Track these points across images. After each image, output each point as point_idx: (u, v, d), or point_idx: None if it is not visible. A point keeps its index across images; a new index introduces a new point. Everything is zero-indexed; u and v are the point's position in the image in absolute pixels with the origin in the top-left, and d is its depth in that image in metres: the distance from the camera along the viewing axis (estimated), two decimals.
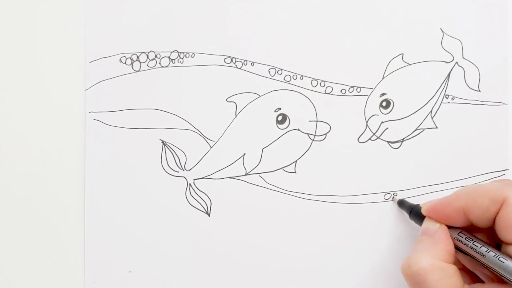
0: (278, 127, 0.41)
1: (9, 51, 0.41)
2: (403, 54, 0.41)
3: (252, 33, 0.41)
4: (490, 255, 0.33)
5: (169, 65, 0.41)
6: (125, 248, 0.40)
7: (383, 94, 0.41)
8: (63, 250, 0.40)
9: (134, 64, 0.41)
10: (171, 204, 0.41)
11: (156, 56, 0.41)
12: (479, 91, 0.42)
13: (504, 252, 0.33)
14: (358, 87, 0.41)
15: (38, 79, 0.41)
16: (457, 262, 0.35)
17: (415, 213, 0.38)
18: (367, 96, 0.41)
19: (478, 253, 0.34)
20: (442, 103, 0.42)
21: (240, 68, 0.41)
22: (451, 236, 0.35)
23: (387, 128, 0.41)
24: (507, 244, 0.33)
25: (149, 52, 0.41)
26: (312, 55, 0.41)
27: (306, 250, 0.41)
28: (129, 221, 0.40)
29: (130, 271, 0.40)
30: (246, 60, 0.41)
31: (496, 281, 0.34)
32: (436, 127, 0.42)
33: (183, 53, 0.41)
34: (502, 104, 0.42)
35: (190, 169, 0.41)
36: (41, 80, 0.41)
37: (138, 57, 0.41)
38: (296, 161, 0.41)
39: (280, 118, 0.41)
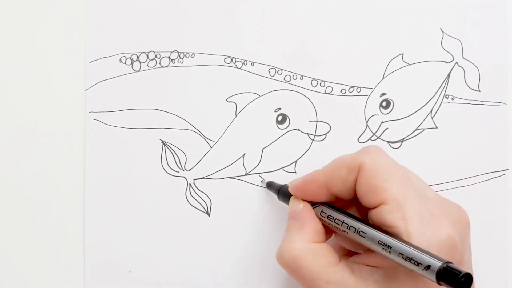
0: (278, 127, 0.41)
1: (9, 51, 0.41)
2: (403, 54, 0.41)
3: (252, 33, 0.41)
4: (351, 231, 0.33)
5: (169, 65, 0.41)
6: (125, 248, 0.40)
7: (383, 94, 0.41)
8: (63, 250, 0.40)
9: (134, 64, 0.41)
10: (171, 204, 0.41)
11: (156, 56, 0.41)
12: (479, 91, 0.42)
13: (371, 219, 0.33)
14: (358, 87, 0.41)
15: (38, 79, 0.41)
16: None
17: (283, 193, 0.38)
18: (367, 96, 0.41)
19: (341, 230, 0.33)
20: (442, 103, 0.42)
21: (240, 68, 0.41)
22: (316, 214, 0.35)
23: (387, 128, 0.41)
24: (370, 209, 0.33)
25: (149, 52, 0.41)
26: (312, 55, 0.41)
27: None
28: (129, 221, 0.40)
29: (130, 271, 0.40)
30: (246, 60, 0.41)
31: (369, 251, 0.33)
32: (436, 127, 0.42)
33: (183, 53, 0.41)
34: (502, 104, 0.42)
35: (190, 169, 0.41)
36: (41, 80, 0.41)
37: (138, 57, 0.41)
38: (296, 161, 0.41)
39: (280, 118, 0.41)
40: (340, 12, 0.41)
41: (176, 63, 0.41)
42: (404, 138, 0.42)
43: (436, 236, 0.30)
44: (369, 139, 0.41)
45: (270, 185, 0.40)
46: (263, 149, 0.41)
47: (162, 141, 0.41)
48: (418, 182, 0.34)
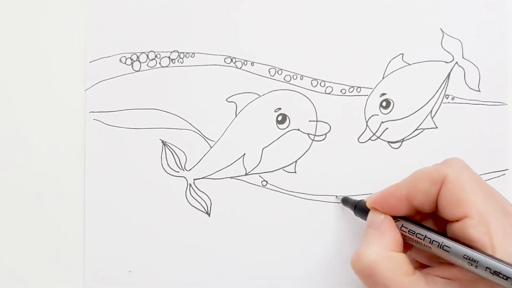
0: (278, 127, 0.41)
1: (10, 51, 0.41)
2: (403, 54, 0.41)
3: (252, 33, 0.41)
4: (434, 245, 0.33)
5: (169, 65, 0.41)
6: (125, 248, 0.40)
7: (383, 94, 0.41)
8: (63, 250, 0.40)
9: (134, 64, 0.41)
10: (171, 204, 0.41)
11: (156, 56, 0.41)
12: (479, 91, 0.42)
13: (450, 232, 0.33)
14: (358, 87, 0.41)
15: (38, 79, 0.41)
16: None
17: (360, 209, 0.38)
18: (367, 96, 0.41)
19: (423, 245, 0.33)
20: (442, 103, 0.42)
21: (240, 68, 0.41)
22: (397, 226, 0.35)
23: (387, 128, 0.41)
24: (451, 222, 0.33)
25: (149, 52, 0.41)
26: (312, 55, 0.41)
27: (306, 250, 0.41)
28: (129, 221, 0.40)
29: (130, 271, 0.40)
30: (246, 60, 0.41)
31: (444, 263, 0.34)
32: (436, 127, 0.42)
33: (183, 53, 0.41)
34: (502, 104, 0.42)
35: (190, 169, 0.41)
36: (41, 80, 0.41)
37: (138, 57, 0.41)
38: (296, 161, 0.41)
39: (280, 118, 0.41)
40: (340, 12, 0.41)
41: (176, 63, 0.41)
42: (404, 138, 0.42)
43: None
44: (369, 139, 0.41)
45: (345, 201, 0.40)
46: (263, 149, 0.41)
47: (162, 141, 0.41)
48: (500, 197, 0.34)
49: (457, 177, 0.33)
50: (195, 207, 0.41)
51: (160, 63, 0.41)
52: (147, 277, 0.41)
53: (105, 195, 0.40)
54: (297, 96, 0.41)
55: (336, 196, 0.41)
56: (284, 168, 0.41)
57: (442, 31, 0.42)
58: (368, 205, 0.36)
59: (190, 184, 0.41)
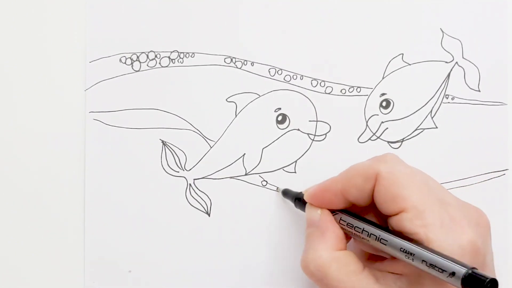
0: (278, 127, 0.41)
1: (10, 51, 0.41)
2: (403, 54, 0.41)
3: (252, 33, 0.41)
4: (372, 238, 0.32)
5: (169, 65, 0.41)
6: (125, 248, 0.40)
7: (383, 94, 0.41)
8: (63, 250, 0.40)
9: (134, 64, 0.41)
10: (171, 204, 0.41)
11: (156, 56, 0.41)
12: (479, 91, 0.42)
13: (390, 226, 0.33)
14: (358, 87, 0.41)
15: (38, 79, 0.41)
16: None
17: (300, 201, 0.38)
18: (367, 96, 0.41)
19: (362, 238, 0.33)
20: (442, 103, 0.42)
21: (240, 68, 0.41)
22: (336, 221, 0.35)
23: (387, 128, 0.41)
24: (389, 216, 0.33)
25: (149, 52, 0.41)
26: (312, 55, 0.41)
27: None
28: (129, 221, 0.40)
29: (130, 271, 0.40)
30: (246, 60, 0.41)
31: (394, 258, 0.33)
32: (436, 127, 0.42)
33: (183, 53, 0.41)
34: (502, 104, 0.42)
35: (190, 169, 0.41)
36: (41, 80, 0.41)
37: (138, 57, 0.41)
38: (296, 161, 0.41)
39: (280, 118, 0.41)
40: (340, 12, 0.41)
41: (176, 63, 0.41)
42: (404, 138, 0.42)
43: (458, 241, 0.30)
44: (369, 139, 0.41)
45: (286, 193, 0.40)
46: (263, 149, 0.41)
47: (162, 141, 0.41)
48: (437, 188, 0.34)
49: (390, 172, 0.33)
50: (195, 207, 0.41)
51: (160, 63, 0.41)
52: (147, 277, 0.41)
53: (105, 195, 0.40)
54: (297, 96, 0.41)
55: (277, 188, 0.40)
56: (284, 168, 0.41)
57: (442, 31, 0.42)
58: (305, 198, 0.36)
59: (190, 184, 0.41)
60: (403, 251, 0.30)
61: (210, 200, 0.41)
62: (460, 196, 0.42)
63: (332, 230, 0.34)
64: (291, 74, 0.41)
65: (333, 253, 0.33)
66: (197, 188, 0.41)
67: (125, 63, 0.41)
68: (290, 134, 0.41)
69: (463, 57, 0.42)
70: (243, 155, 0.41)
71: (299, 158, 0.41)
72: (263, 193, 0.41)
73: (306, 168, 0.41)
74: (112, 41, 0.41)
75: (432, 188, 0.33)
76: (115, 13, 0.41)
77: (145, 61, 0.41)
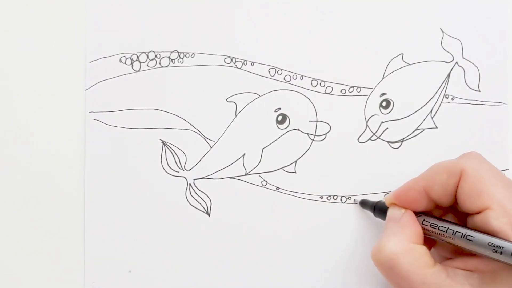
0: (278, 127, 0.41)
1: (10, 51, 0.41)
2: (403, 54, 0.41)
3: (252, 33, 0.41)
4: (458, 236, 0.33)
5: (169, 65, 0.41)
6: (125, 248, 0.40)
7: (383, 94, 0.41)
8: (63, 250, 0.40)
9: (134, 64, 0.41)
10: (171, 204, 0.41)
11: (156, 56, 0.41)
12: (479, 91, 0.42)
13: (472, 225, 0.33)
14: (358, 87, 0.41)
15: (38, 79, 0.41)
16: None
17: (379, 209, 0.38)
18: (367, 96, 0.41)
19: (446, 237, 0.34)
20: (442, 103, 0.42)
21: (240, 68, 0.41)
22: (418, 221, 0.35)
23: (387, 128, 0.41)
24: (472, 215, 0.33)
25: (149, 52, 0.41)
26: (312, 55, 0.41)
27: (306, 250, 0.41)
28: (129, 221, 0.40)
29: (130, 271, 0.40)
30: (246, 60, 0.41)
31: (464, 254, 0.34)
32: (436, 127, 0.42)
33: (183, 53, 0.41)
34: (502, 104, 0.42)
35: (190, 169, 0.41)
36: (41, 80, 0.41)
37: (138, 57, 0.41)
38: (296, 161, 0.41)
39: (280, 118, 0.41)
40: (340, 12, 0.41)
41: (176, 63, 0.41)
42: (404, 138, 0.42)
43: None
44: (369, 139, 0.41)
45: (364, 203, 0.40)
46: (263, 149, 0.41)
47: (162, 141, 0.41)
48: None
49: (475, 169, 0.33)
50: (195, 207, 0.41)
51: (160, 63, 0.41)
52: (147, 277, 0.41)
53: (105, 195, 0.40)
54: (297, 96, 0.41)
55: (354, 200, 0.41)
56: (284, 168, 0.41)
57: (442, 31, 0.42)
58: (387, 202, 0.37)
59: (190, 184, 0.41)
60: (490, 245, 0.31)
61: (210, 200, 0.41)
62: None
63: (412, 226, 0.34)
64: (291, 74, 0.41)
65: (408, 244, 0.33)
66: (197, 188, 0.41)
67: (125, 63, 0.41)
68: (290, 134, 0.41)
69: (463, 57, 0.42)
70: (243, 155, 0.41)
71: (299, 158, 0.41)
72: (263, 193, 0.41)
73: (306, 168, 0.41)
74: (112, 41, 0.41)
75: None
76: (115, 13, 0.41)
77: (145, 61, 0.41)
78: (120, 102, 0.41)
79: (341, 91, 0.41)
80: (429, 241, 0.36)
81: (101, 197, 0.40)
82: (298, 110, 0.41)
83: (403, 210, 0.36)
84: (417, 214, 0.36)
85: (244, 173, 0.41)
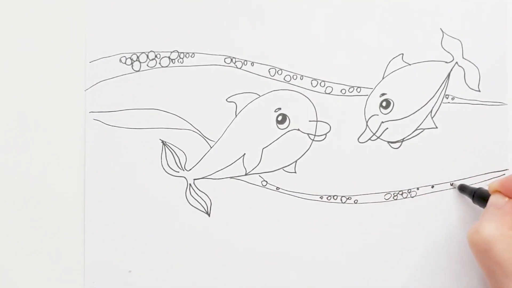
0: (278, 127, 0.41)
1: (9, 51, 0.41)
2: (403, 54, 0.41)
3: (252, 33, 0.41)
4: None
5: (169, 65, 0.41)
6: (125, 248, 0.40)
7: (383, 94, 0.41)
8: (63, 250, 0.40)
9: (134, 64, 0.41)
10: (171, 204, 0.41)
11: (156, 56, 0.41)
12: (479, 91, 0.42)
13: None
14: (358, 87, 0.41)
15: (38, 79, 0.41)
16: None
17: (479, 195, 0.38)
18: (367, 96, 0.41)
19: None
20: (442, 103, 0.42)
21: (240, 68, 0.41)
22: None
23: (387, 128, 0.41)
24: None
25: (149, 52, 0.41)
26: (312, 55, 0.41)
27: (306, 250, 0.41)
28: (129, 221, 0.40)
29: (130, 271, 0.40)
30: (246, 60, 0.41)
31: None
32: (436, 127, 0.42)
33: (183, 53, 0.41)
34: (502, 104, 0.42)
35: (190, 169, 0.41)
36: (41, 80, 0.41)
37: (138, 57, 0.41)
38: (296, 161, 0.41)
39: (280, 118, 0.41)
40: (340, 12, 0.41)
41: (176, 63, 0.41)
42: (404, 138, 0.42)
43: None
44: (369, 139, 0.41)
45: (463, 189, 0.40)
46: (263, 149, 0.41)
47: (162, 141, 0.41)
48: None
49: None
50: (195, 207, 0.41)
51: (160, 63, 0.41)
52: (147, 277, 0.41)
53: (105, 195, 0.40)
54: (297, 96, 0.41)
55: (452, 184, 0.41)
56: (284, 168, 0.41)
57: (442, 31, 0.42)
58: (491, 188, 0.37)
59: (190, 184, 0.41)
60: None
61: (210, 200, 0.41)
62: (460, 196, 0.42)
63: None
64: (291, 74, 0.41)
65: (508, 231, 0.33)
66: (197, 188, 0.41)
67: (125, 63, 0.41)
68: (290, 134, 0.41)
69: (463, 57, 0.42)
70: (243, 155, 0.41)
71: (299, 158, 0.41)
72: (263, 193, 0.41)
73: (306, 168, 0.41)
74: (112, 41, 0.41)
75: None
76: (115, 13, 0.41)
77: (145, 61, 0.41)
78: (120, 102, 0.41)
79: (341, 91, 0.41)
80: None
81: (101, 197, 0.40)
82: (298, 110, 0.41)
83: (506, 199, 0.36)
84: None
85: (244, 173, 0.41)
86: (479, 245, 0.33)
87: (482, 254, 0.33)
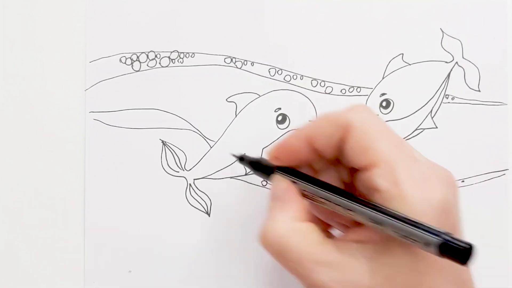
0: (278, 127, 0.41)
1: (9, 51, 0.41)
2: (403, 54, 0.41)
3: (252, 33, 0.41)
4: (339, 209, 0.31)
5: (169, 65, 0.41)
6: (125, 248, 0.40)
7: (383, 94, 0.41)
8: (63, 250, 0.40)
9: (134, 64, 0.41)
10: (171, 204, 0.41)
11: (156, 56, 0.41)
12: (479, 91, 0.42)
13: (358, 181, 0.31)
14: (358, 87, 0.41)
15: (38, 79, 0.41)
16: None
17: (257, 165, 0.36)
18: (367, 96, 0.41)
19: (327, 206, 0.32)
20: (442, 103, 0.42)
21: (240, 68, 0.41)
22: (300, 192, 0.33)
23: None
24: (358, 171, 0.31)
25: (149, 52, 0.41)
26: (312, 55, 0.41)
27: None
28: (129, 221, 0.40)
29: (130, 271, 0.40)
30: (246, 60, 0.41)
31: (356, 227, 0.32)
32: (436, 127, 0.42)
33: (183, 53, 0.41)
34: (502, 104, 0.42)
35: (190, 169, 0.41)
36: (41, 80, 0.41)
37: (138, 57, 0.41)
38: None
39: (280, 118, 0.41)
40: (340, 12, 0.41)
41: (176, 63, 0.41)
42: (404, 138, 0.42)
43: (430, 200, 0.29)
44: None
45: (243, 159, 0.37)
46: (263, 149, 0.41)
47: (162, 141, 0.41)
48: (408, 146, 0.32)
49: (363, 124, 0.31)
50: (195, 207, 0.41)
51: (160, 63, 0.41)
52: (147, 277, 0.41)
53: (105, 195, 0.40)
54: (297, 96, 0.41)
55: (234, 155, 0.38)
56: None
57: (442, 31, 0.42)
58: (269, 154, 0.34)
59: (190, 184, 0.41)
60: (372, 221, 0.29)
61: (210, 200, 0.41)
62: (460, 196, 0.42)
63: (294, 201, 0.32)
64: (291, 74, 0.41)
65: (294, 224, 0.31)
66: (197, 188, 0.41)
67: (125, 63, 0.41)
68: None
69: (463, 57, 0.42)
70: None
71: None
72: (263, 193, 0.41)
73: None
74: (112, 41, 0.41)
75: (404, 145, 0.32)
76: (115, 13, 0.41)
77: (145, 61, 0.41)
78: (120, 102, 0.41)
79: (341, 91, 0.41)
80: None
81: (101, 197, 0.40)
82: (298, 110, 0.41)
83: (286, 185, 0.33)
84: (299, 182, 0.33)
85: (244, 173, 0.41)
86: (271, 247, 0.31)
87: (279, 255, 0.31)
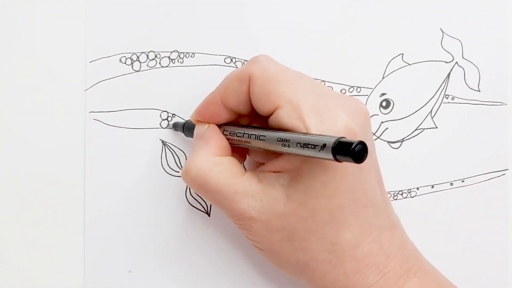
0: None
1: (9, 51, 0.41)
2: (403, 54, 0.41)
3: (252, 33, 0.41)
4: (252, 138, 0.33)
5: (169, 65, 0.41)
6: (125, 248, 0.40)
7: (383, 94, 0.41)
8: (63, 250, 0.40)
9: (134, 64, 0.41)
10: (171, 204, 0.41)
11: (156, 56, 0.41)
12: (479, 91, 0.42)
13: (271, 126, 0.33)
14: (358, 87, 0.41)
15: (38, 79, 0.41)
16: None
17: (188, 127, 0.38)
18: (367, 96, 0.41)
19: (244, 142, 0.34)
20: (442, 103, 0.42)
21: None
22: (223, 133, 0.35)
23: (387, 128, 0.41)
24: (268, 117, 0.33)
25: (149, 52, 0.41)
26: (312, 55, 0.41)
27: None
28: (129, 221, 0.40)
29: (130, 271, 0.40)
30: (246, 60, 0.41)
31: (273, 158, 0.34)
32: (436, 127, 0.42)
33: (183, 53, 0.41)
34: (502, 104, 0.42)
35: None
36: (41, 80, 0.41)
37: (138, 57, 0.41)
38: None
39: None
40: (340, 12, 0.41)
41: (176, 63, 0.41)
42: (404, 138, 0.42)
43: (334, 127, 0.31)
44: None
45: (176, 125, 0.40)
46: None
47: (162, 141, 0.41)
48: (312, 82, 0.34)
49: (262, 71, 0.33)
50: (195, 207, 0.41)
51: (160, 63, 0.41)
52: (147, 277, 0.41)
53: (105, 195, 0.40)
54: None
55: (168, 123, 0.40)
56: None
57: (442, 31, 0.42)
58: (192, 119, 0.37)
59: None
60: (280, 141, 0.31)
61: None
62: (460, 196, 0.42)
63: (216, 139, 0.35)
64: None
65: (214, 158, 0.34)
66: None
67: (125, 63, 0.41)
68: None
69: (463, 57, 0.42)
70: None
71: None
72: None
73: None
74: (112, 41, 0.41)
75: (306, 82, 0.33)
76: (115, 13, 0.41)
77: (145, 61, 0.41)
78: (120, 102, 0.41)
79: (341, 91, 0.41)
80: (242, 151, 0.37)
81: (101, 197, 0.40)
82: None
83: (206, 125, 0.35)
84: (221, 126, 0.36)
85: None
86: (193, 182, 0.33)
87: (200, 189, 0.33)
